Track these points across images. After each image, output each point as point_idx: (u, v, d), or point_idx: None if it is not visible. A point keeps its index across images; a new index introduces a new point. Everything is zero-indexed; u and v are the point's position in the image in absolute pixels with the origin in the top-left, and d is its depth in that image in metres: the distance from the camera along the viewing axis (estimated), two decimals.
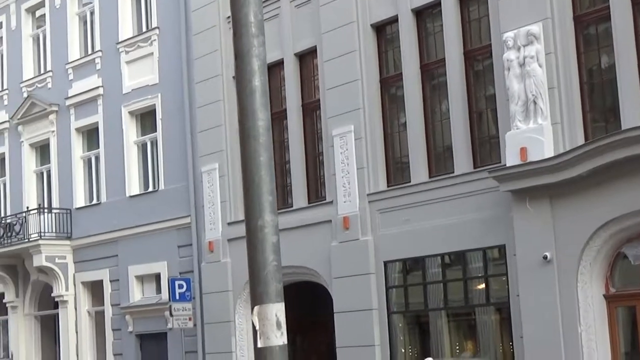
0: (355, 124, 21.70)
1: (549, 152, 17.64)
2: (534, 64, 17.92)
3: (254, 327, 5.61)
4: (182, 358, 25.36)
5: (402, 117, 21.41)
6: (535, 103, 17.87)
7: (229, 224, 24.87)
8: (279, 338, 5.60)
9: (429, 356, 19.93)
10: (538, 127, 17.78)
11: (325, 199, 22.65)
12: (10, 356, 31.92)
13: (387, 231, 21.08)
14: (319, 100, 23.08)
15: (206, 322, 25.44)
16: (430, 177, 20.57)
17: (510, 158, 18.06)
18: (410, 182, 20.87)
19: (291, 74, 23.69)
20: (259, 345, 5.58)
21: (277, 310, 5.61)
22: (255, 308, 5.60)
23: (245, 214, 5.71)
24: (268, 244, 5.64)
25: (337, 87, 22.19)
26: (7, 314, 32.45)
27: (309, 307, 23.84)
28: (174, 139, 26.93)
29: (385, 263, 21.19)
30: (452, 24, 20.31)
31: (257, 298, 5.62)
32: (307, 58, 23.72)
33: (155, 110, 27.75)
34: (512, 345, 19.08)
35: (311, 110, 23.50)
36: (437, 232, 20.02)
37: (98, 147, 29.67)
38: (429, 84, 21.06)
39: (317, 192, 23.20)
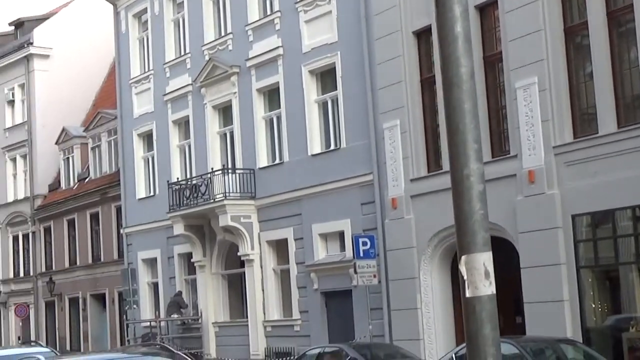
0: (539, 75, 21.25)
1: None
2: None
3: (461, 276, 5.53)
4: (367, 315, 25.47)
5: (588, 66, 20.83)
6: None
7: (411, 180, 24.81)
8: (488, 287, 5.50)
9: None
10: None
11: (509, 153, 22.31)
12: (199, 314, 32.77)
13: (574, 184, 20.61)
14: (500, 52, 22.70)
15: (391, 279, 25.51)
16: (618, 127, 19.96)
17: None
18: (597, 133, 20.31)
19: (472, 26, 23.34)
20: (467, 295, 5.49)
21: (484, 260, 5.51)
22: (463, 257, 5.51)
23: (450, 162, 5.62)
24: (474, 193, 5.55)
25: (520, 39, 21.76)
26: (195, 273, 33.31)
27: (495, 263, 23.55)
28: (355, 96, 26.99)
29: (573, 217, 20.74)
30: None
31: (464, 248, 5.53)
32: (487, 10, 23.34)
33: (335, 68, 27.85)
34: None
35: (493, 62, 23.12)
36: (627, 184, 19.44)
37: (279, 107, 30.01)
38: (616, 32, 20.40)
39: (500, 146, 22.87)
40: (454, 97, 5.59)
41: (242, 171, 30.81)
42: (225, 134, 32.55)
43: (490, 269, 5.52)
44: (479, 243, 5.50)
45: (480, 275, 5.49)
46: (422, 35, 25.03)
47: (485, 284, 5.49)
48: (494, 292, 5.52)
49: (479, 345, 5.46)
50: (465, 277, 5.50)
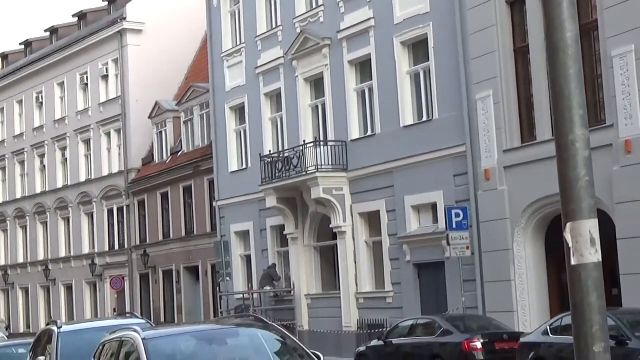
0: (636, 43, 20.85)
1: None
2: None
3: (566, 244, 5.46)
4: (460, 287, 25.39)
5: None
6: None
7: (504, 151, 24.58)
8: (594, 255, 5.43)
9: None
10: None
11: (605, 123, 21.95)
12: (292, 286, 32.97)
13: None
14: (596, 20, 22.31)
15: (484, 251, 25.36)
16: None
17: None
18: None
19: None
20: (573, 262, 5.43)
21: (590, 227, 5.44)
22: (568, 225, 5.45)
23: (555, 129, 5.55)
24: (580, 159, 5.47)
25: (616, 6, 21.35)
26: (287, 246, 33.49)
27: None
28: (447, 67, 26.79)
29: None
30: None
31: (569, 215, 5.46)
32: None
33: (427, 39, 27.67)
34: None
35: (588, 31, 22.72)
36: None
37: (371, 79, 29.94)
38: None
39: (596, 115, 22.50)
40: (559, 63, 5.53)
41: (334, 143, 30.83)
42: (317, 107, 32.60)
43: (596, 236, 5.46)
44: (585, 210, 5.44)
45: (586, 242, 5.43)
46: (516, 4, 24.73)
47: (591, 252, 5.43)
48: (600, 260, 5.46)
49: (584, 313, 5.41)
50: (570, 245, 5.44)
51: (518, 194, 23.98)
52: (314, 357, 11.21)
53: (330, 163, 30.59)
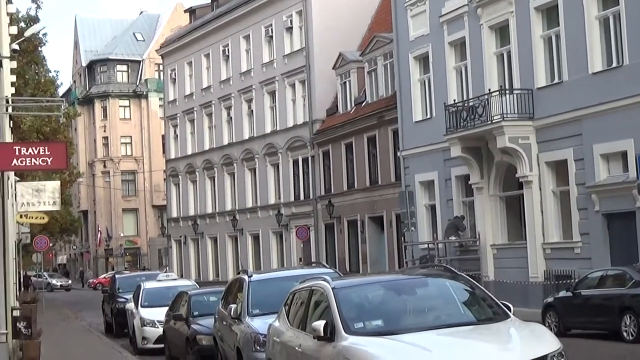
0: None
1: None
2: None
3: None
4: None
5: None
6: None
7: None
8: None
9: None
10: None
11: None
12: (477, 236, 32.73)
13: None
14: None
15: None
16: None
17: None
18: None
19: None
20: None
21: None
22: None
23: None
24: None
25: None
26: (472, 195, 33.25)
27: None
28: (638, 11, 25.88)
29: None
30: None
31: None
32: None
33: None
34: None
35: None
36: None
37: (558, 25, 29.25)
38: None
39: None
40: None
41: (519, 91, 30.33)
42: (502, 54, 32.08)
43: None
44: None
45: None
46: None
47: None
48: None
49: None
50: None
51: None
52: (504, 307, 11.10)
53: (516, 111, 30.12)
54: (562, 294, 24.25)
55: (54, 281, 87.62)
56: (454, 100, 33.22)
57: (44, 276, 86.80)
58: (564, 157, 28.97)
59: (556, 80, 29.41)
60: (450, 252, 34.25)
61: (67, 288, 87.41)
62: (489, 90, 31.07)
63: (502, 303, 11.22)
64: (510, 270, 31.07)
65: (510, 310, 11.03)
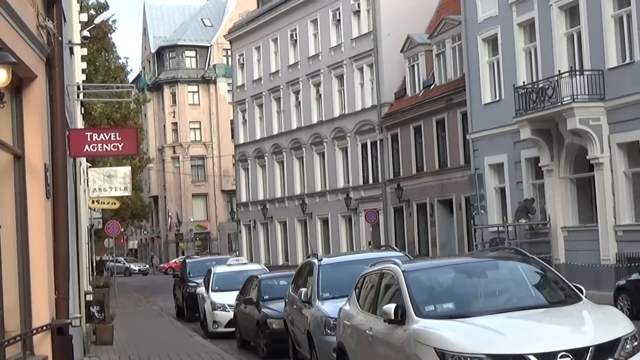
0: None
1: None
2: None
3: None
4: None
5: None
6: None
7: None
8: None
9: None
10: None
11: None
12: (547, 219, 32.46)
13: None
14: None
15: None
16: None
17: None
18: None
19: None
20: None
21: None
22: None
23: None
24: None
25: None
26: (542, 178, 32.95)
27: None
28: None
29: None
30: None
31: None
32: None
33: None
34: None
35: None
36: None
37: (629, 5, 28.84)
38: None
39: None
40: None
41: (590, 72, 29.96)
42: (572, 35, 31.70)
43: None
44: None
45: None
46: None
47: None
48: None
49: None
50: None
51: None
52: (575, 290, 11.00)
53: (587, 92, 29.77)
54: (635, 276, 23.96)
55: (132, 266, 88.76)
56: (524, 82, 32.92)
57: (122, 261, 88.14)
58: (636, 139, 28.59)
59: (627, 61, 29.00)
60: (520, 235, 34.01)
61: (144, 272, 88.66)
62: (559, 71, 30.73)
63: (573, 285, 11.12)
64: (581, 253, 30.78)
65: (582, 293, 10.94)
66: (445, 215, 42.84)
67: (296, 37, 56.14)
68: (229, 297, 25.07)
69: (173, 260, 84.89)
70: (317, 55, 53.98)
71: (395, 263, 11.85)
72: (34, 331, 10.83)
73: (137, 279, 76.05)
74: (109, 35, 49.06)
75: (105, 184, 30.57)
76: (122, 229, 67.75)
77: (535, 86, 31.67)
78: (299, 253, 54.99)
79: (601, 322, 10.11)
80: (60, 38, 11.92)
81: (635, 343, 9.65)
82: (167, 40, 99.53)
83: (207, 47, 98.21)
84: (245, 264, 30.42)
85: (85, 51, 32.07)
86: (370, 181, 49.42)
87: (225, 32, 74.08)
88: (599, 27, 29.80)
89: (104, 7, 44.70)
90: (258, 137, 61.33)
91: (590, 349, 9.35)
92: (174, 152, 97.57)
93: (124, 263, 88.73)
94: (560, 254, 31.88)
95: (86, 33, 30.74)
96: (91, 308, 21.50)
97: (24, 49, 10.35)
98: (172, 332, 27.41)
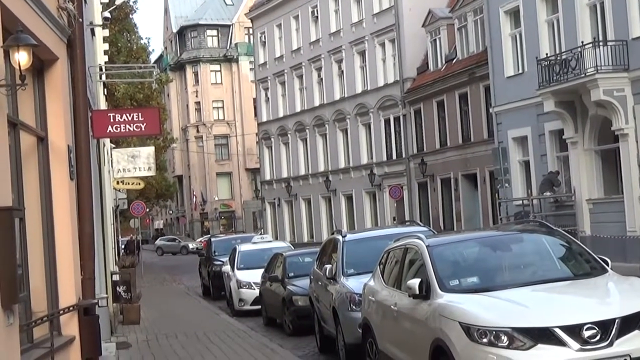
0: None
1: None
2: None
3: None
4: None
5: None
6: None
7: None
8: None
9: None
10: None
11: None
12: (572, 191, 32.32)
13: None
14: None
15: None
16: None
17: None
18: None
19: None
20: None
21: None
22: None
23: None
24: None
25: None
26: (567, 150, 32.78)
27: None
28: None
29: None
30: None
31: None
32: None
33: None
34: None
35: None
36: None
37: None
38: None
39: None
40: None
41: (614, 43, 29.70)
42: (594, 5, 31.42)
43: None
44: None
45: None
46: None
47: None
48: None
49: None
50: None
51: None
52: (601, 262, 10.95)
53: (610, 63, 29.53)
54: None
55: (190, 245, 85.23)
56: (546, 54, 32.69)
57: (178, 240, 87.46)
58: None
59: None
60: (545, 208, 33.88)
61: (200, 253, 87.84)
62: (582, 42, 30.50)
63: (599, 257, 11.08)
64: (607, 225, 30.63)
65: (608, 265, 10.89)
66: (470, 189, 42.76)
67: (317, 13, 56.05)
68: (255, 275, 25.15)
69: (198, 239, 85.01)
70: (338, 32, 53.87)
71: (419, 238, 11.84)
72: (61, 312, 10.89)
73: (160, 259, 76.26)
74: (131, 16, 49.11)
75: (129, 165, 30.71)
76: (148, 209, 68.03)
77: (558, 58, 31.45)
78: (324, 230, 55.06)
79: (627, 294, 10.04)
80: (80, 19, 11.94)
81: None
82: (188, 20, 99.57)
83: (228, 26, 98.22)
84: (270, 241, 30.49)
85: (107, 32, 32.11)
86: (394, 157, 49.37)
87: (247, 10, 74.08)
88: None
89: None
90: (281, 114, 61.36)
91: (617, 320, 9.29)
92: (198, 131, 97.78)
93: (179, 242, 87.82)
94: (586, 226, 31.74)
95: (107, 14, 30.78)
96: (118, 288, 21.59)
97: (45, 31, 10.37)
98: (199, 311, 27.53)
